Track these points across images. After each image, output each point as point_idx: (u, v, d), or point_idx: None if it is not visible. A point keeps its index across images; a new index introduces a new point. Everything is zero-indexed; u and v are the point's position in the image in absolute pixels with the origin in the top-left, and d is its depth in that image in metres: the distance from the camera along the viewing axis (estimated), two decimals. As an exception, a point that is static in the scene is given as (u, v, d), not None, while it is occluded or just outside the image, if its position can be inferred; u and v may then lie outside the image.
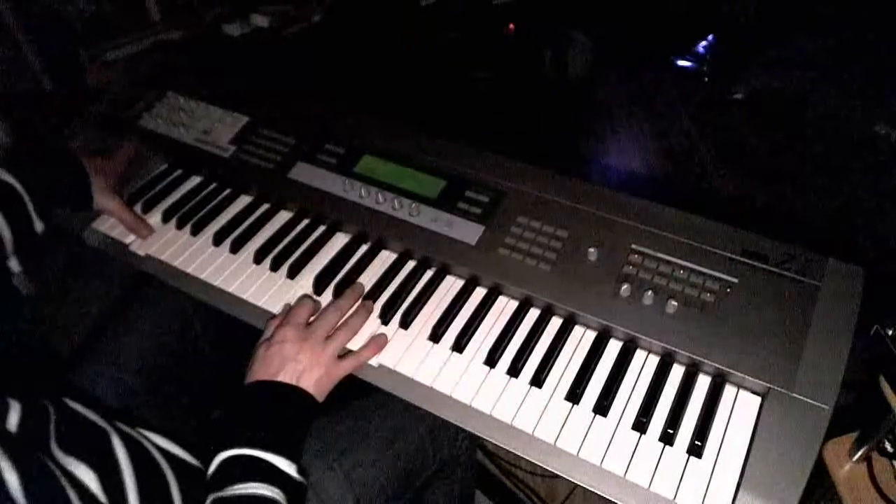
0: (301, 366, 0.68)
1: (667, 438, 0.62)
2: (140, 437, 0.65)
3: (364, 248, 0.83)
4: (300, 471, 0.63)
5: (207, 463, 0.62)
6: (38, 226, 0.79)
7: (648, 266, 0.73)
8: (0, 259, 0.75)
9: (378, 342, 0.72)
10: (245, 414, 0.66)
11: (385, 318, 0.75)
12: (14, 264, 0.75)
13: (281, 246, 0.83)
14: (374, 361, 0.71)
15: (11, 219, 0.75)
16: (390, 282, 0.78)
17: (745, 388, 0.66)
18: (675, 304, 0.68)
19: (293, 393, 0.66)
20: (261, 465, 0.60)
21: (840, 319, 0.66)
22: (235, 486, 0.58)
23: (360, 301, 0.76)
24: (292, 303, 0.76)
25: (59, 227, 0.86)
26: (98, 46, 1.93)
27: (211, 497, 0.59)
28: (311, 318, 0.73)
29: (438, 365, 0.70)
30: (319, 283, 0.78)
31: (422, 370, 0.70)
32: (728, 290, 0.70)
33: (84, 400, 0.62)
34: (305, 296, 0.76)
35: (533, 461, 0.63)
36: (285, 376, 0.67)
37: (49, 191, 0.80)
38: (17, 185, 0.77)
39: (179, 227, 0.87)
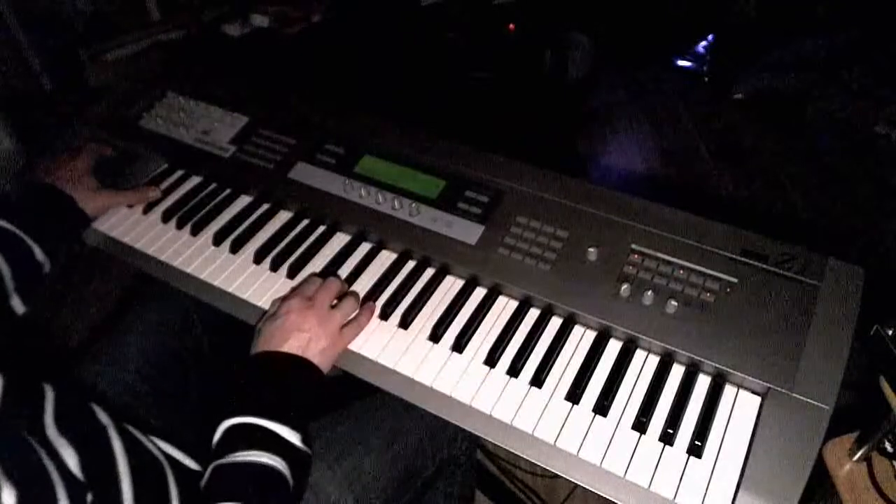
0: (306, 336, 0.68)
1: (667, 438, 0.62)
2: (143, 437, 0.65)
3: (364, 248, 0.83)
4: (304, 440, 0.62)
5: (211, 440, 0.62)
6: (47, 267, 0.79)
7: (648, 266, 0.73)
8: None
9: (370, 308, 0.74)
10: (249, 384, 0.65)
11: (385, 317, 0.75)
12: (17, 304, 0.76)
13: (281, 246, 0.83)
14: (373, 359, 0.71)
15: (14, 262, 0.75)
16: (390, 282, 0.78)
17: (745, 388, 0.66)
18: (675, 304, 0.68)
19: (297, 363, 0.66)
20: (263, 433, 0.60)
21: (840, 319, 0.66)
22: (237, 454, 0.58)
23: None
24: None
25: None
26: (98, 46, 1.93)
27: (213, 465, 0.59)
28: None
29: (438, 365, 0.70)
30: (319, 283, 0.78)
31: (422, 370, 0.70)
32: (728, 290, 0.70)
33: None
34: (313, 274, 0.77)
35: (533, 461, 0.63)
36: (290, 347, 0.67)
37: (48, 228, 0.80)
38: (18, 231, 0.76)
39: (179, 227, 0.87)
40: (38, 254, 0.78)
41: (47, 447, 0.52)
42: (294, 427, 0.62)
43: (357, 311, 0.74)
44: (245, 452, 0.58)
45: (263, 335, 0.69)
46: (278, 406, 0.63)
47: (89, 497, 0.51)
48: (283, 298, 0.73)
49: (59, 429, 0.54)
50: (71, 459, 0.53)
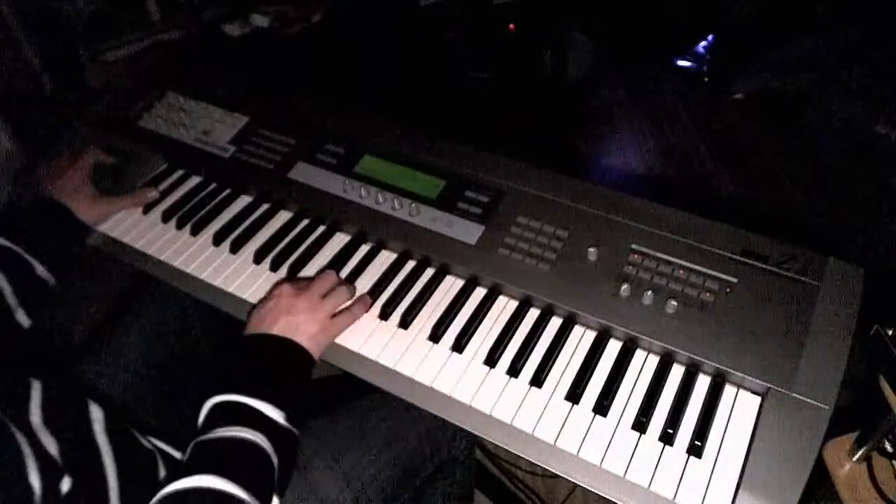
0: (296, 320, 0.68)
1: (666, 438, 0.62)
2: (137, 434, 0.66)
3: (364, 248, 0.83)
4: (289, 419, 0.62)
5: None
6: (52, 281, 0.80)
7: (648, 266, 0.73)
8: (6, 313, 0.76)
9: (364, 300, 0.74)
10: (235, 364, 0.66)
11: (385, 317, 0.75)
12: (23, 318, 0.78)
13: (281, 246, 0.83)
14: (373, 359, 0.71)
15: (14, 279, 0.76)
16: (390, 282, 0.78)
17: (745, 388, 0.66)
18: (675, 304, 0.68)
19: (285, 344, 0.67)
20: (245, 410, 0.60)
21: (840, 319, 0.66)
22: (217, 430, 0.58)
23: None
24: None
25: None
26: (98, 46, 1.93)
27: (194, 441, 0.59)
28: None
29: (438, 365, 0.70)
30: (319, 283, 0.78)
31: (421, 370, 0.70)
32: (728, 290, 0.70)
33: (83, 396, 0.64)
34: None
35: (533, 461, 0.63)
36: (279, 329, 0.67)
37: (46, 243, 0.80)
38: (15, 247, 0.77)
39: (179, 227, 0.87)
40: (39, 269, 0.78)
41: (27, 430, 0.54)
42: (278, 405, 0.62)
43: (351, 302, 0.74)
44: (226, 428, 0.58)
45: (254, 318, 0.70)
46: (261, 384, 0.63)
47: (67, 481, 0.53)
48: (277, 284, 0.73)
49: (43, 419, 0.56)
50: (52, 446, 0.55)
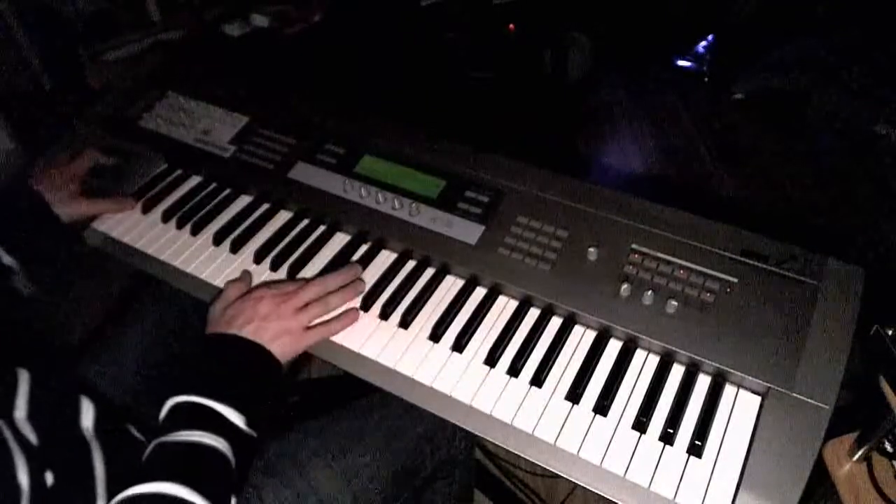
0: (266, 324, 0.68)
1: (667, 438, 0.62)
2: (135, 432, 0.66)
3: (364, 248, 0.83)
4: (250, 423, 0.62)
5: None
6: (16, 268, 0.80)
7: (648, 266, 0.73)
8: None
9: (350, 315, 0.73)
10: (200, 363, 0.66)
11: (385, 317, 0.75)
12: None
13: (281, 246, 0.83)
14: (373, 359, 0.71)
15: None
16: (390, 282, 0.78)
17: (745, 388, 0.66)
18: (675, 304, 0.68)
19: (251, 347, 0.66)
20: (207, 413, 0.60)
21: (840, 319, 0.66)
22: (180, 433, 0.58)
23: (353, 282, 0.76)
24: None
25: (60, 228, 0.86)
26: (98, 46, 1.93)
27: (155, 441, 0.59)
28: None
29: (438, 365, 0.70)
30: (319, 283, 0.78)
31: (422, 370, 0.70)
32: (728, 290, 0.70)
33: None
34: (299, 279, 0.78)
35: (533, 461, 0.63)
36: (249, 331, 0.67)
37: (14, 232, 0.80)
38: None
39: (179, 226, 0.87)
40: (4, 256, 0.78)
41: (12, 426, 0.54)
42: (240, 409, 0.61)
43: (338, 312, 0.73)
44: (188, 432, 0.58)
45: (225, 315, 0.69)
46: (224, 387, 0.62)
47: (49, 475, 0.54)
48: (260, 285, 0.73)
49: (28, 413, 0.57)
50: (33, 440, 0.56)
